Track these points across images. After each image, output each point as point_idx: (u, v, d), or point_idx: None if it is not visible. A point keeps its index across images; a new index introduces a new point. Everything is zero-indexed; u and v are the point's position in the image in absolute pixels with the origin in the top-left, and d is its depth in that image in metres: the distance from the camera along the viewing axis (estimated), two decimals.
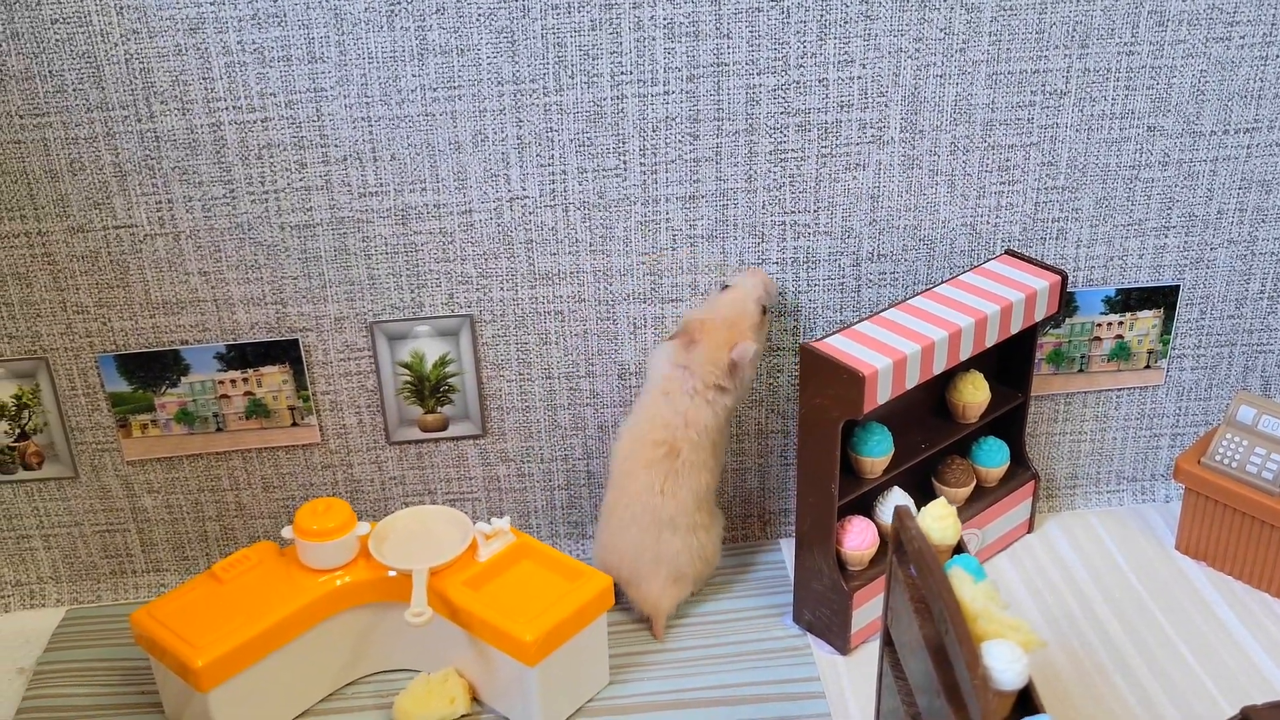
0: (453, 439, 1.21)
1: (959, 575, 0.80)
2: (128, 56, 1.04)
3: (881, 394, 1.02)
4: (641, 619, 1.16)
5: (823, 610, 1.13)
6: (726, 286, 1.12)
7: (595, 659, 1.08)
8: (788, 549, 1.26)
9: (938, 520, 0.87)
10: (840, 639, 1.12)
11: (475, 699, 1.08)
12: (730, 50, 1.08)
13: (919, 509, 0.99)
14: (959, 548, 0.90)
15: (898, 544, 0.88)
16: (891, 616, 0.90)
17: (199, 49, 1.04)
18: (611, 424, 1.22)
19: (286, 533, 1.07)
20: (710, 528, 1.15)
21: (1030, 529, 1.27)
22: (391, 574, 1.05)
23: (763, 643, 1.15)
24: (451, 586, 1.04)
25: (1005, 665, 0.74)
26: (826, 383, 1.03)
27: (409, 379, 1.18)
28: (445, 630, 1.06)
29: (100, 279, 1.11)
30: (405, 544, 1.08)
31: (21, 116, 1.05)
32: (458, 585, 1.05)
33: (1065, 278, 1.13)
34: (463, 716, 1.07)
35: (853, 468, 1.11)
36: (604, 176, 1.12)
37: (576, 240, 1.14)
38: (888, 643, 0.92)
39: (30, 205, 1.08)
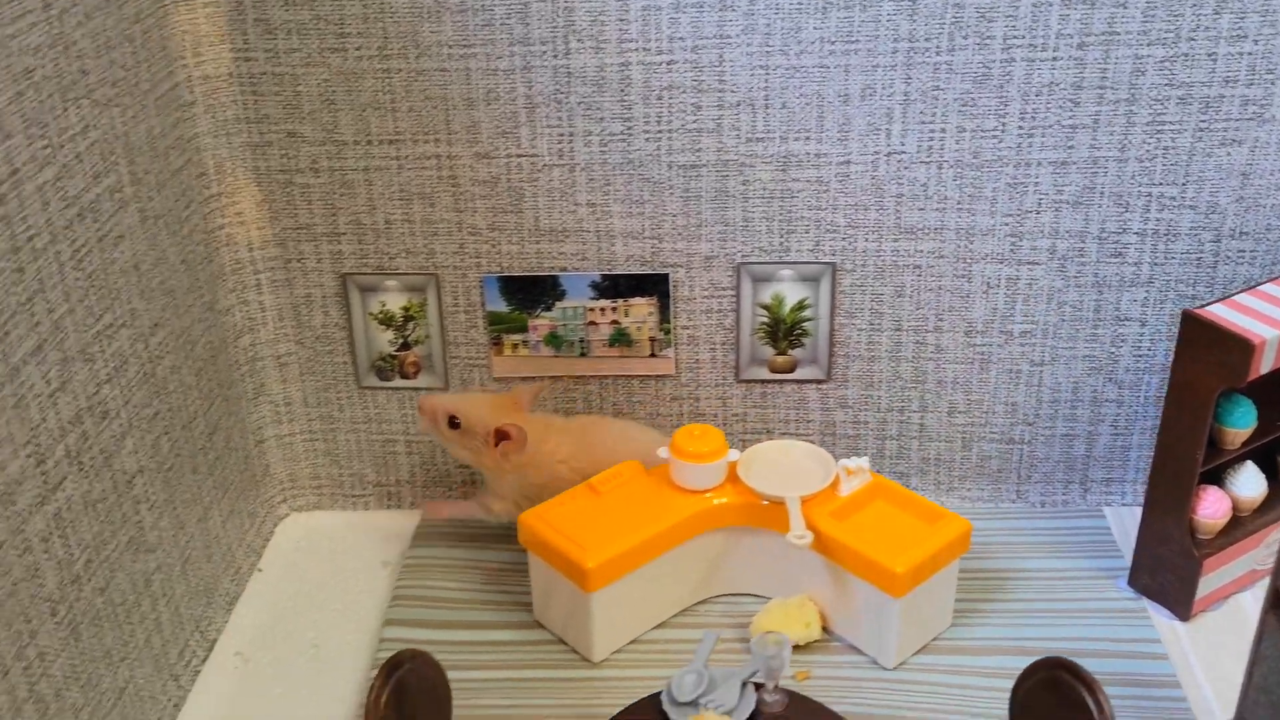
0: (797, 382, 1.27)
1: None
2: None
3: (1264, 364, 1.04)
4: None
5: (1166, 575, 1.14)
6: (452, 420, 1.17)
7: (945, 600, 1.12)
8: (1113, 517, 1.28)
9: None
10: (1182, 605, 1.14)
11: (824, 628, 1.13)
12: (1124, 19, 1.10)
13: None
14: None
15: None
16: None
17: None
18: (952, 380, 1.26)
19: (662, 452, 1.14)
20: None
21: None
22: (764, 502, 1.11)
23: (1098, 602, 1.17)
24: (819, 517, 1.09)
25: None
26: (1207, 350, 1.05)
27: (766, 320, 1.23)
28: (802, 558, 1.11)
29: (496, 203, 1.19)
30: (771, 473, 1.13)
31: (450, 47, 1.13)
32: (824, 516, 1.10)
33: None
34: (813, 643, 1.12)
35: (1212, 438, 1.12)
36: (981, 137, 1.16)
37: (945, 198, 1.18)
38: (1276, 606, 0.94)
39: (445, 130, 1.16)
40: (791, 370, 1.26)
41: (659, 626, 1.14)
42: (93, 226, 0.95)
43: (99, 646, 0.96)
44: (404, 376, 1.27)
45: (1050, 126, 1.15)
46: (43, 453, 0.88)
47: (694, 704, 0.89)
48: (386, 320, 1.25)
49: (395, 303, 1.24)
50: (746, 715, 0.89)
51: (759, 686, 0.92)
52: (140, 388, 1.02)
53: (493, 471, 1.18)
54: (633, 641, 1.13)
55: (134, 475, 1.01)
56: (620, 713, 0.93)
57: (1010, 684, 0.93)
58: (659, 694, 0.92)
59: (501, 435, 1.15)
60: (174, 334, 1.09)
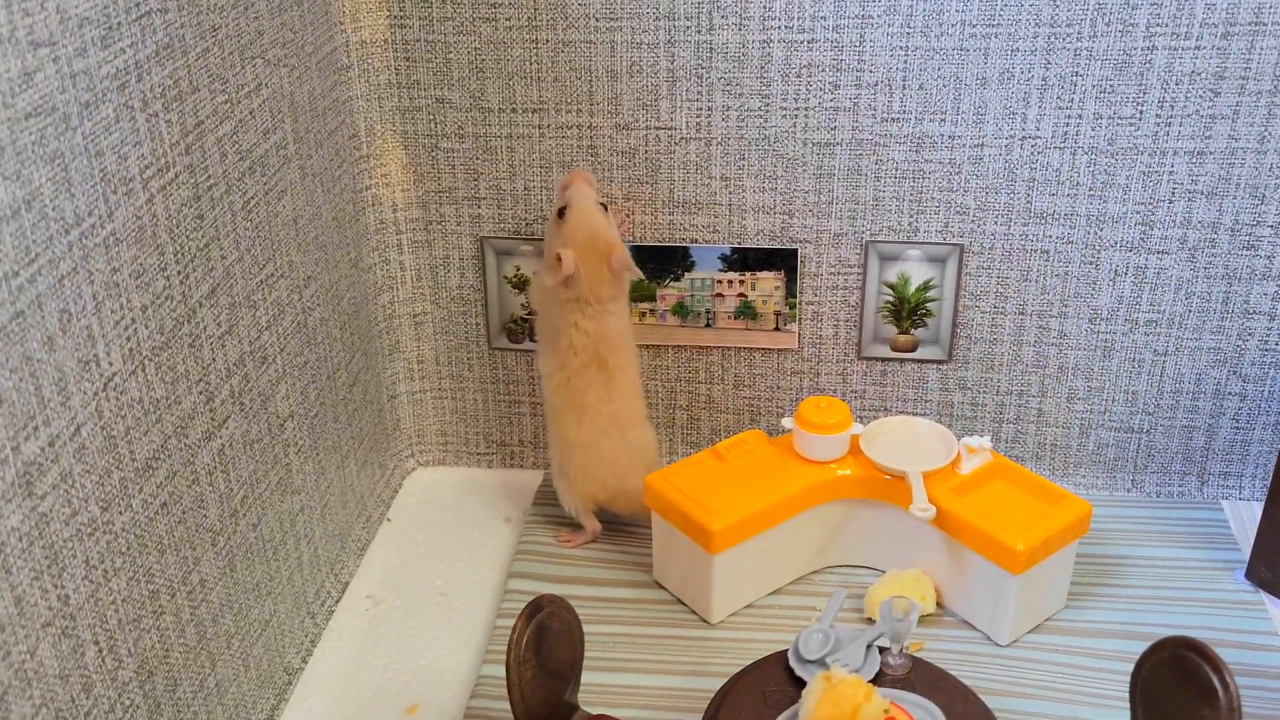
0: (917, 361, 1.28)
1: None
2: None
3: None
4: (636, 523, 1.24)
5: None
6: (562, 210, 1.15)
7: (1060, 581, 1.13)
8: (1230, 510, 1.28)
9: None
10: None
11: (937, 603, 1.15)
12: (1271, 9, 1.10)
13: None
14: None
15: None
16: None
17: None
18: (1073, 366, 1.27)
19: (787, 422, 1.16)
20: (650, 418, 1.25)
21: None
22: (886, 476, 1.13)
23: (1212, 592, 1.17)
24: (940, 492, 1.11)
25: None
26: None
27: (891, 299, 1.25)
28: (920, 533, 1.13)
29: (634, 174, 1.23)
30: (894, 448, 1.15)
31: (597, 19, 1.16)
32: (945, 492, 1.12)
33: None
34: (926, 616, 1.14)
35: None
36: (1117, 124, 1.16)
37: (1077, 184, 1.19)
38: None
39: (587, 101, 1.20)
40: (913, 349, 1.27)
41: (774, 593, 1.17)
42: (261, 180, 0.99)
43: (250, 579, 1.01)
44: (533, 340, 1.31)
45: (1189, 116, 1.15)
46: (211, 391, 0.93)
47: (820, 662, 0.91)
48: (520, 284, 1.28)
49: (529, 267, 1.28)
50: (871, 677, 0.91)
51: (883, 650, 0.94)
52: (294, 336, 1.07)
53: (540, 309, 1.21)
54: (748, 606, 1.16)
55: (285, 419, 1.06)
56: (747, 668, 0.96)
57: (1123, 667, 0.94)
58: (784, 652, 0.95)
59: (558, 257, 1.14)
60: (324, 288, 1.14)
